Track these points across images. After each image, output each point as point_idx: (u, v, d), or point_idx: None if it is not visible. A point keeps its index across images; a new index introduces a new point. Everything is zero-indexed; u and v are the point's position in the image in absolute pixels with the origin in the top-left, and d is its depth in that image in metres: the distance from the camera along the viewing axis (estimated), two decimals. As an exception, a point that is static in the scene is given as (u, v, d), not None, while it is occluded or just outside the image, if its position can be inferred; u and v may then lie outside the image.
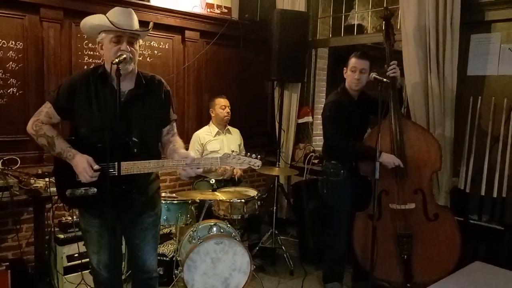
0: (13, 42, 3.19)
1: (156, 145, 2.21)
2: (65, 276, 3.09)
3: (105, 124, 2.00)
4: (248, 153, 2.05)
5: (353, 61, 3.01)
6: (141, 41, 2.14)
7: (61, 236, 3.13)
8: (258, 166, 2.04)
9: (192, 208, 3.38)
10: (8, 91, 3.20)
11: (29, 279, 3.09)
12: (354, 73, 2.99)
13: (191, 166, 1.99)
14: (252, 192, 3.59)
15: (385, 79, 2.79)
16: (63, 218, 3.30)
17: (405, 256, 2.88)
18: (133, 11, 2.07)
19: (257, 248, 3.78)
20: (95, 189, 2.02)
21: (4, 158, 3.10)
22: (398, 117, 2.91)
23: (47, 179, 3.06)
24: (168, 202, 3.13)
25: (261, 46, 4.46)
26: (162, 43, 3.99)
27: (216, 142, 3.86)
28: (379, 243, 2.78)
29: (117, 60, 1.88)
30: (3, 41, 3.15)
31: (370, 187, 2.87)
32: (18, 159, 3.17)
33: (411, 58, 3.27)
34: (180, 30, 4.07)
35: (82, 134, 2.07)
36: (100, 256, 2.18)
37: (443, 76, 3.16)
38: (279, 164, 4.29)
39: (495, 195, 3.09)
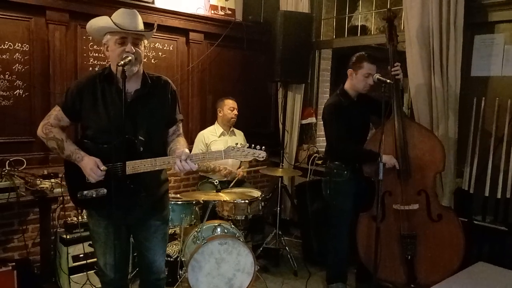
0: (19, 44, 3.22)
1: (162, 144, 2.22)
2: (71, 276, 3.12)
3: (111, 124, 2.03)
4: (253, 145, 2.03)
5: (368, 66, 2.96)
6: (146, 41, 2.16)
7: (67, 236, 3.16)
8: (263, 157, 2.01)
9: (196, 208, 3.39)
10: (14, 92, 3.24)
11: (35, 279, 3.12)
12: (368, 78, 2.97)
13: (190, 160, 1.95)
14: (256, 193, 3.60)
15: (388, 80, 2.79)
16: (69, 219, 3.33)
17: (409, 257, 2.88)
18: (137, 12, 2.09)
19: (261, 248, 3.79)
20: (105, 190, 2.05)
21: (11, 159, 3.13)
22: (401, 118, 2.91)
23: (52, 180, 3.10)
24: (172, 202, 3.15)
25: (265, 48, 4.48)
26: (166, 44, 4.01)
27: (220, 142, 3.88)
28: (383, 244, 2.78)
29: (122, 62, 1.92)
30: (10, 43, 3.18)
31: (373, 188, 2.88)
32: (24, 160, 3.20)
33: (415, 59, 3.27)
34: (184, 31, 4.10)
35: (90, 136, 2.11)
36: (107, 257, 2.21)
37: (447, 77, 3.15)
38: (282, 165, 4.30)
39: (499, 195, 3.08)
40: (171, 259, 3.25)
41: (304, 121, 4.62)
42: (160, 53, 3.98)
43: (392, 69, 2.94)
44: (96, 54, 3.60)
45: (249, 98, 4.61)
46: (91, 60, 3.58)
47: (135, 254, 2.49)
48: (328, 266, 3.32)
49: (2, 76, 3.17)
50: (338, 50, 4.75)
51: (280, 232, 3.90)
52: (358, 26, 4.57)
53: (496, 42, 3.17)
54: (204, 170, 3.86)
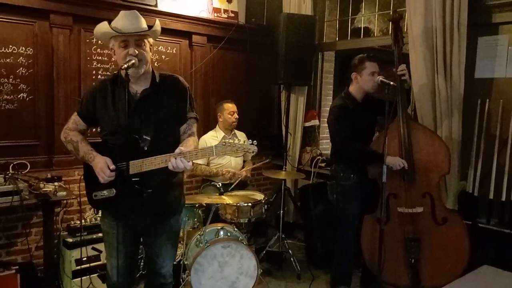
0: (23, 48, 3.24)
1: (172, 143, 2.09)
2: (74, 280, 3.12)
3: (119, 125, 2.07)
4: (243, 140, 2.01)
5: (370, 64, 2.99)
6: (151, 40, 2.15)
7: (70, 240, 3.16)
8: (253, 152, 1.96)
9: (199, 212, 3.39)
10: (18, 96, 3.25)
11: (38, 282, 3.12)
12: (374, 76, 2.98)
13: (184, 157, 1.92)
14: (259, 196, 3.59)
15: (391, 82, 2.79)
16: (72, 222, 3.33)
17: (413, 260, 2.86)
18: (138, 13, 2.09)
19: (264, 252, 3.78)
20: (114, 190, 2.08)
21: (14, 163, 3.13)
22: (406, 120, 2.90)
23: (56, 184, 3.10)
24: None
25: (268, 50, 4.47)
26: (169, 47, 4.02)
27: (223, 146, 3.86)
28: (387, 247, 2.77)
29: (125, 65, 1.95)
30: (14, 47, 3.19)
31: (378, 190, 2.86)
32: (28, 163, 3.21)
33: (418, 60, 3.25)
34: (187, 34, 4.10)
35: (104, 137, 2.17)
36: (113, 259, 2.21)
37: (451, 78, 3.14)
38: (285, 168, 4.29)
39: (503, 198, 3.05)
40: (174, 263, 3.24)
41: (307, 124, 4.61)
42: (163, 56, 3.98)
43: (398, 71, 2.92)
44: (100, 58, 3.61)
45: (252, 101, 4.61)
46: (94, 64, 3.59)
47: (140, 257, 2.48)
48: (333, 269, 3.31)
49: (6, 80, 3.18)
50: (341, 52, 4.74)
51: (283, 235, 3.89)
52: (361, 28, 4.56)
53: (500, 43, 3.15)
54: (207, 175, 3.85)
